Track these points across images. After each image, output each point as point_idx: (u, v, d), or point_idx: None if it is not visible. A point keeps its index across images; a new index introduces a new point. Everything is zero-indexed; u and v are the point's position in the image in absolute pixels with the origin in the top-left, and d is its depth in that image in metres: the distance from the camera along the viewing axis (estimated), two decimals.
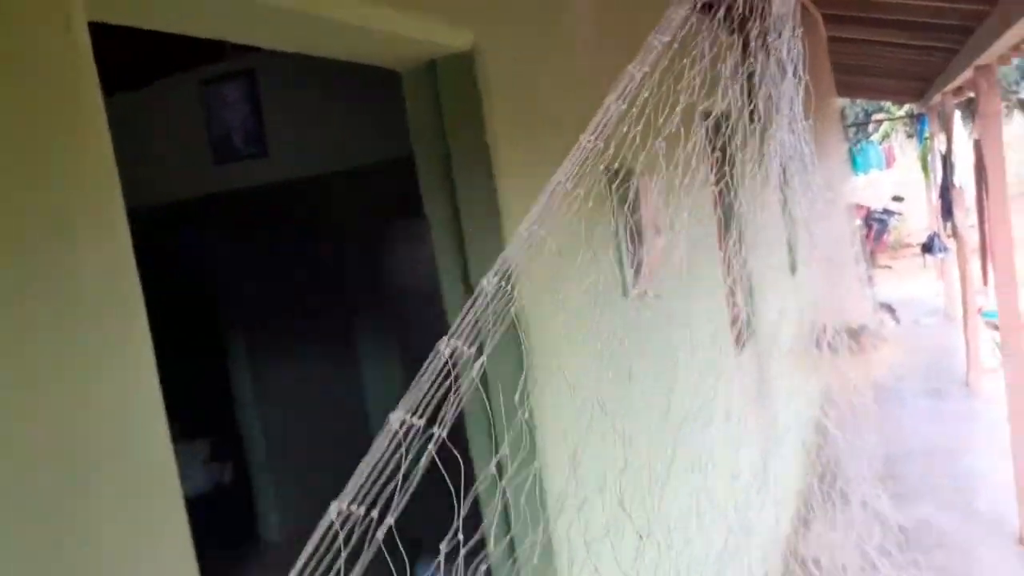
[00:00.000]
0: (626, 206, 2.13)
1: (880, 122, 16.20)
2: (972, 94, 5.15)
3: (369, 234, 5.96)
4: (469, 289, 1.58)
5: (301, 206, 5.63)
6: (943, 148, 7.10)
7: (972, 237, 6.74)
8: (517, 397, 1.57)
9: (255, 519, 5.29)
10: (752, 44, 1.67)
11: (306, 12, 1.13)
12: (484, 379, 1.62)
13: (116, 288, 0.86)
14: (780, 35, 2.01)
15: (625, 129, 2.27)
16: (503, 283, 1.59)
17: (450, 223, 1.54)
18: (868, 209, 9.68)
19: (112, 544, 0.83)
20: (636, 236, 2.18)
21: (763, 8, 1.82)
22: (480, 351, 1.61)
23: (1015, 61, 4.12)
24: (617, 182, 2.13)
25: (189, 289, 5.80)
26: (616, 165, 2.16)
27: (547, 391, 1.65)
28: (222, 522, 5.66)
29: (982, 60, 3.66)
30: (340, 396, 5.99)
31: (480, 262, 1.55)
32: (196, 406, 6.44)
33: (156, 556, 0.89)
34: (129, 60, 2.79)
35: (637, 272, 2.20)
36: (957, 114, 6.83)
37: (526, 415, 1.60)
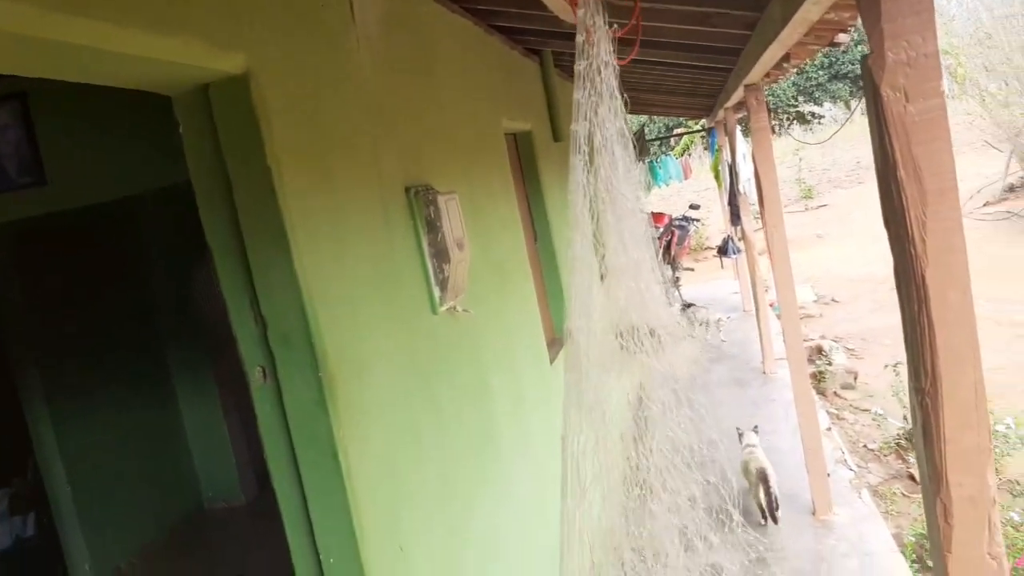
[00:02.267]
0: (427, 224, 2.15)
1: (680, 135, 17.39)
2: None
3: (168, 262, 5.64)
4: (259, 319, 1.53)
5: (93, 235, 5.24)
6: (729, 159, 7.75)
7: (759, 239, 7.39)
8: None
9: (65, 572, 4.82)
10: (581, 73, 1.74)
11: (67, 42, 1.07)
12: (281, 410, 1.58)
13: None
14: (604, 64, 2.12)
15: (427, 145, 2.31)
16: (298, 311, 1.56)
17: (235, 251, 1.49)
18: (670, 217, 10.37)
19: None
20: (441, 253, 2.21)
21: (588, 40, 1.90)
22: (275, 377, 1.57)
23: (792, 79, 4.57)
24: (418, 201, 2.15)
25: None
26: (417, 183, 2.18)
27: (353, 422, 1.63)
28: None
29: (749, 79, 4.04)
30: (155, 431, 5.62)
31: (269, 289, 1.51)
32: None
33: None
34: None
35: (444, 288, 2.23)
36: (739, 128, 7.47)
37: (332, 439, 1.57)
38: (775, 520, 4.26)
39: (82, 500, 4.82)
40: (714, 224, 15.26)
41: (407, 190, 2.13)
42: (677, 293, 9.81)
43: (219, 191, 1.42)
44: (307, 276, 1.54)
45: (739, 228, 7.88)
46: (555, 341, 4.29)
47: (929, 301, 1.26)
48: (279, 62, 1.48)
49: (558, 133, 4.70)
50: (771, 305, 8.33)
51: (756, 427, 4.94)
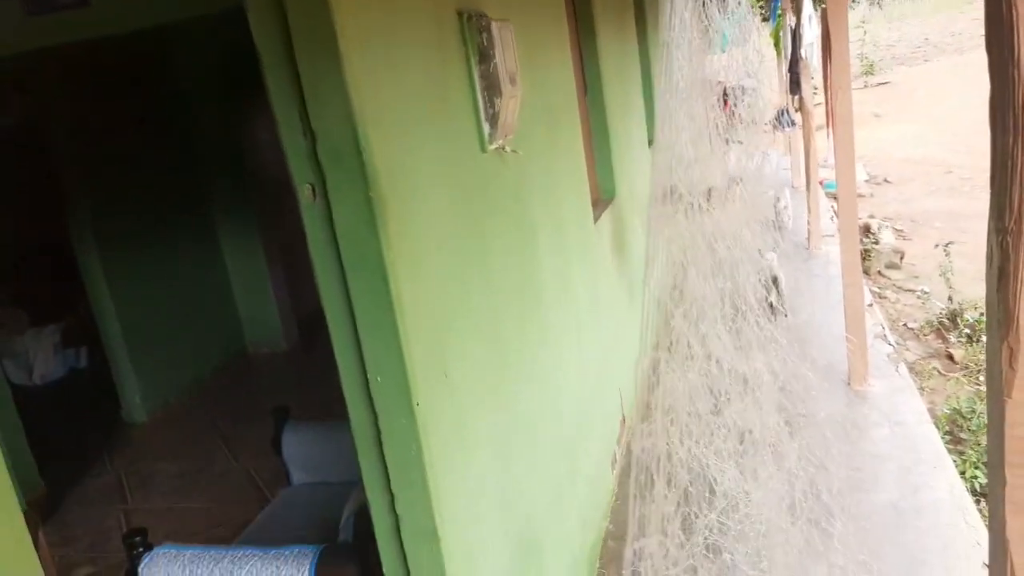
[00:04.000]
0: (480, 52, 2.06)
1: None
2: None
3: (217, 93, 5.57)
4: (308, 132, 1.49)
5: (140, 70, 5.17)
6: (793, 23, 7.32)
7: (818, 114, 7.09)
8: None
9: (117, 402, 5.09)
10: None
11: None
12: (331, 230, 1.56)
13: None
14: None
15: None
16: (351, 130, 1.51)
17: (286, 61, 1.43)
18: (724, 85, 9.97)
19: None
20: (493, 86, 2.12)
21: None
22: (324, 196, 1.54)
23: None
24: (471, 27, 2.05)
25: (20, 163, 5.30)
26: (470, 7, 2.07)
27: (404, 248, 1.61)
28: (82, 407, 5.43)
29: None
30: (198, 270, 5.76)
31: (319, 101, 1.45)
32: (44, 291, 6.04)
33: None
34: None
35: (494, 125, 2.15)
36: None
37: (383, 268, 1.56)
38: (784, 314, 4.51)
39: (132, 338, 5.01)
40: (767, 98, 14.66)
41: (460, 13, 2.02)
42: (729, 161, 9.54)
43: (274, 17, 1.35)
44: (359, 91, 1.48)
45: (797, 98, 7.54)
46: (599, 202, 4.21)
47: None
48: None
49: None
50: (821, 183, 8.09)
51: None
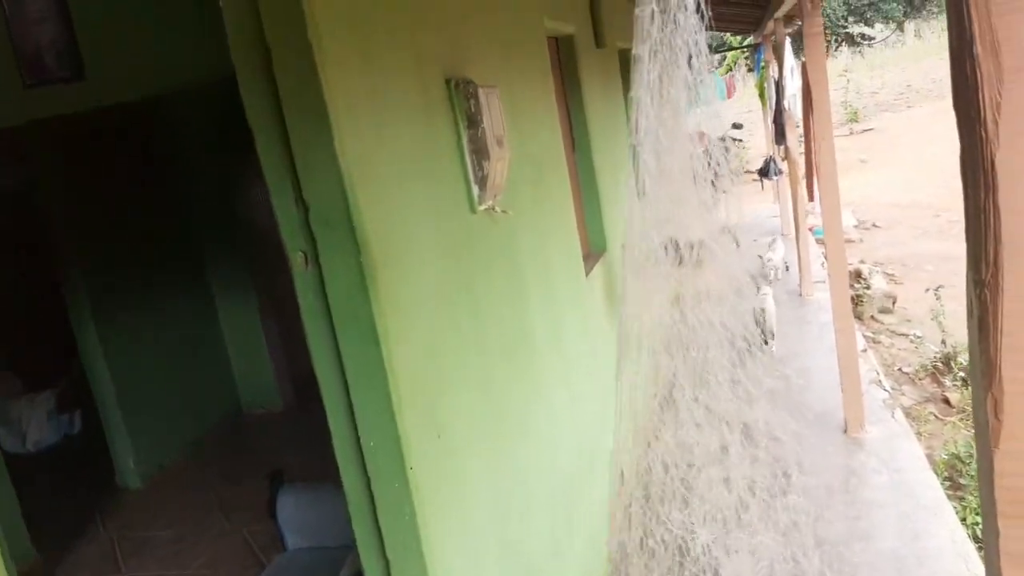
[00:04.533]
0: (467, 117, 2.11)
1: (724, 52, 16.85)
2: (800, 21, 5.42)
3: (208, 165, 5.64)
4: (301, 202, 1.52)
5: (133, 135, 5.24)
6: (776, 74, 7.49)
7: (802, 162, 7.20)
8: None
9: (111, 467, 5.03)
10: None
11: None
12: (323, 296, 1.58)
13: None
14: None
15: (466, 34, 2.24)
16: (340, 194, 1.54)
17: (276, 131, 1.47)
18: (708, 136, 10.12)
19: None
20: (481, 150, 2.17)
21: None
22: (316, 262, 1.57)
23: None
24: (459, 94, 2.10)
25: (14, 229, 5.33)
26: (457, 75, 2.13)
27: (395, 312, 1.64)
28: (76, 473, 5.36)
29: None
30: (192, 331, 5.74)
31: (310, 171, 1.49)
32: (37, 357, 6.01)
33: None
34: None
35: (483, 187, 2.20)
36: (788, 42, 7.20)
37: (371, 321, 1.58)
38: (766, 342, 4.77)
39: (125, 401, 4.98)
40: (755, 148, 14.90)
41: (447, 81, 2.08)
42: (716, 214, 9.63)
43: (261, 69, 1.39)
44: (348, 159, 1.52)
45: (782, 148, 7.67)
46: (590, 255, 4.25)
47: (997, 187, 1.20)
48: None
49: (600, 39, 4.55)
50: (810, 229, 8.17)
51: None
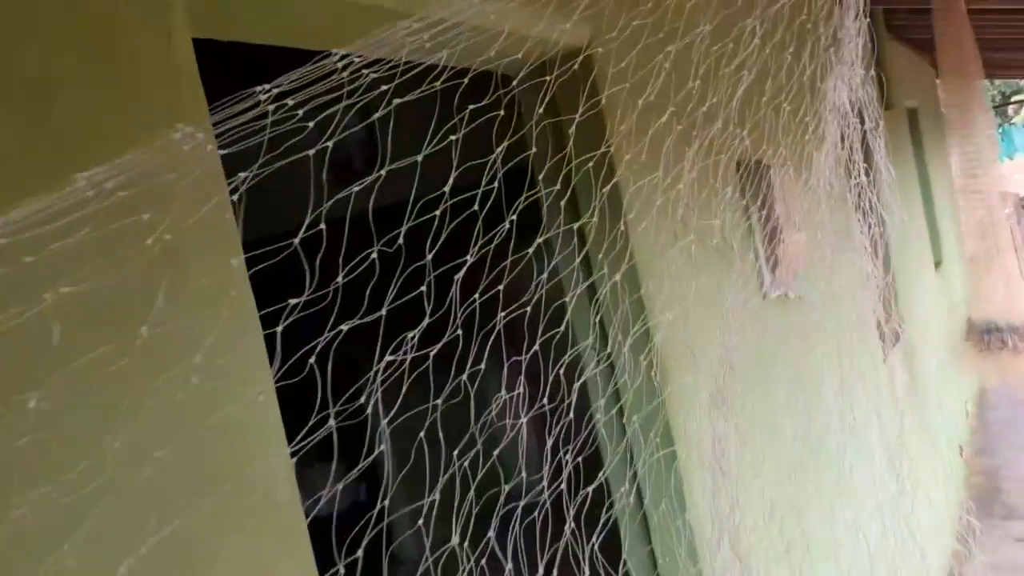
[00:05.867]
0: (758, 199, 1.98)
1: (1022, 103, 15.00)
2: None
3: (488, 251, 5.96)
4: (595, 302, 1.48)
5: (416, 226, 5.69)
6: None
7: None
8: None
9: (391, 536, 5.34)
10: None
11: (411, 14, 1.07)
12: (615, 388, 1.52)
13: (230, 309, 0.82)
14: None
15: (756, 117, 2.12)
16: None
17: (569, 232, 1.45)
18: (1017, 196, 8.92)
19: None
20: (772, 233, 2.02)
21: None
22: (609, 358, 1.50)
23: None
24: (749, 175, 1.98)
25: (319, 313, 5.98)
26: (748, 156, 2.01)
27: (681, 409, 1.53)
28: (359, 541, 5.76)
29: None
30: (462, 414, 6.00)
31: (606, 273, 1.44)
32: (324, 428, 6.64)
33: None
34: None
35: (774, 271, 2.03)
36: None
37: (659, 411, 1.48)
38: None
39: (402, 472, 5.28)
40: None
41: (738, 164, 1.97)
42: None
43: (558, 174, 1.39)
44: (640, 252, 1.45)
45: None
46: (886, 335, 3.83)
47: None
48: (620, 32, 1.40)
49: (888, 99, 4.19)
50: None
51: None
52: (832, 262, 2.83)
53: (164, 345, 0.73)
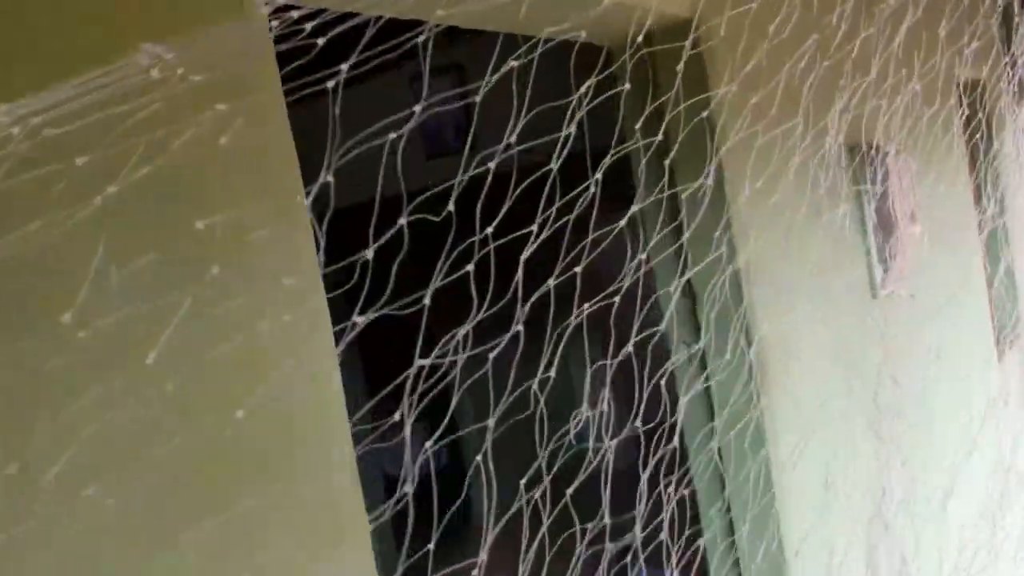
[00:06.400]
0: (872, 189, 1.83)
1: None
2: None
3: (575, 227, 5.86)
4: (687, 288, 1.39)
5: (504, 199, 5.63)
6: None
7: None
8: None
9: (469, 504, 5.37)
10: None
11: None
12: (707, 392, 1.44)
13: (296, 275, 0.79)
14: None
15: (871, 99, 1.96)
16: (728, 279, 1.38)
17: (667, 214, 1.36)
18: None
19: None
20: (886, 225, 1.87)
21: None
22: (701, 356, 1.42)
23: None
24: (863, 161, 1.83)
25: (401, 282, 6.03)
26: (861, 141, 1.86)
27: (783, 412, 1.43)
28: (441, 507, 5.83)
29: None
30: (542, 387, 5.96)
31: (700, 257, 1.35)
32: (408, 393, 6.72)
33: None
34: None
35: (887, 268, 1.89)
36: None
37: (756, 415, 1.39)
38: None
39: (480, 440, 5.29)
40: None
41: (851, 149, 1.82)
42: None
43: (654, 153, 1.29)
44: (740, 243, 1.36)
45: None
46: (999, 339, 3.57)
47: None
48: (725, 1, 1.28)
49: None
50: None
51: None
52: (950, 258, 2.63)
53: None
